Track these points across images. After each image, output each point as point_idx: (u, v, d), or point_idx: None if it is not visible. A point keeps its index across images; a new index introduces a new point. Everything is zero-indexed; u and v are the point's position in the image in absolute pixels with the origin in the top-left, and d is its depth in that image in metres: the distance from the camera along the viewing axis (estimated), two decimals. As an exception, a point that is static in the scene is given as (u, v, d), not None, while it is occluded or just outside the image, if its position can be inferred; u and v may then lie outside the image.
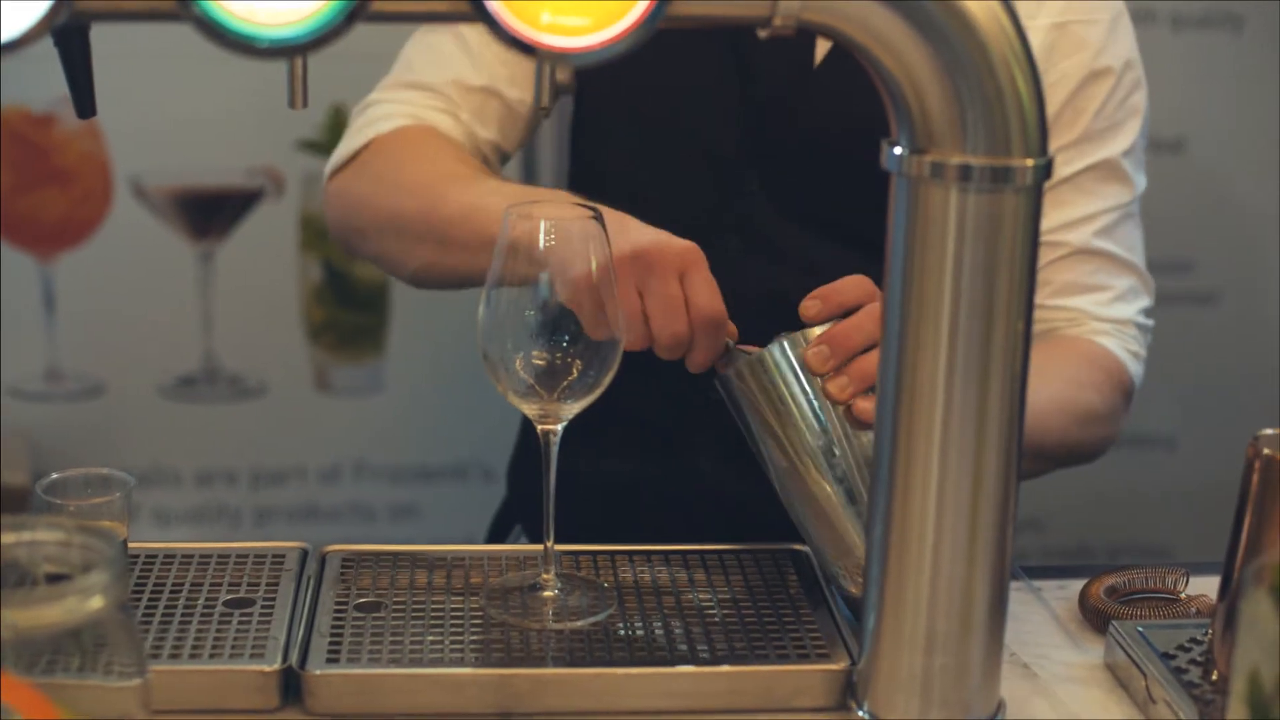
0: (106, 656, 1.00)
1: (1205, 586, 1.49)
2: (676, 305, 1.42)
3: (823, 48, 1.72)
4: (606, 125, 1.85)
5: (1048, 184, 1.63)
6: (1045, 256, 1.73)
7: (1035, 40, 1.67)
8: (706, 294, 1.43)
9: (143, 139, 2.73)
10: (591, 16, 1.05)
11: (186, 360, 2.87)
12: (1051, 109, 1.70)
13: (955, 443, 1.18)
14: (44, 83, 2.64)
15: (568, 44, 1.06)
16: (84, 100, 1.31)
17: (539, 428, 1.41)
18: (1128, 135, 1.76)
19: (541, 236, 1.35)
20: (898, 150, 1.16)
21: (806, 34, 1.68)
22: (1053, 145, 1.70)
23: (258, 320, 2.87)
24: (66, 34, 1.26)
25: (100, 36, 1.28)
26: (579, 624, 1.38)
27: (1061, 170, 1.73)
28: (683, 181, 1.77)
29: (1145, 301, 1.80)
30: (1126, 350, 1.75)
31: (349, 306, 2.88)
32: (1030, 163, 1.14)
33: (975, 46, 1.12)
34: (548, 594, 1.43)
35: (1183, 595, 1.51)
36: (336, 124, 2.74)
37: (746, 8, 1.11)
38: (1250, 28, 2.93)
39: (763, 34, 1.13)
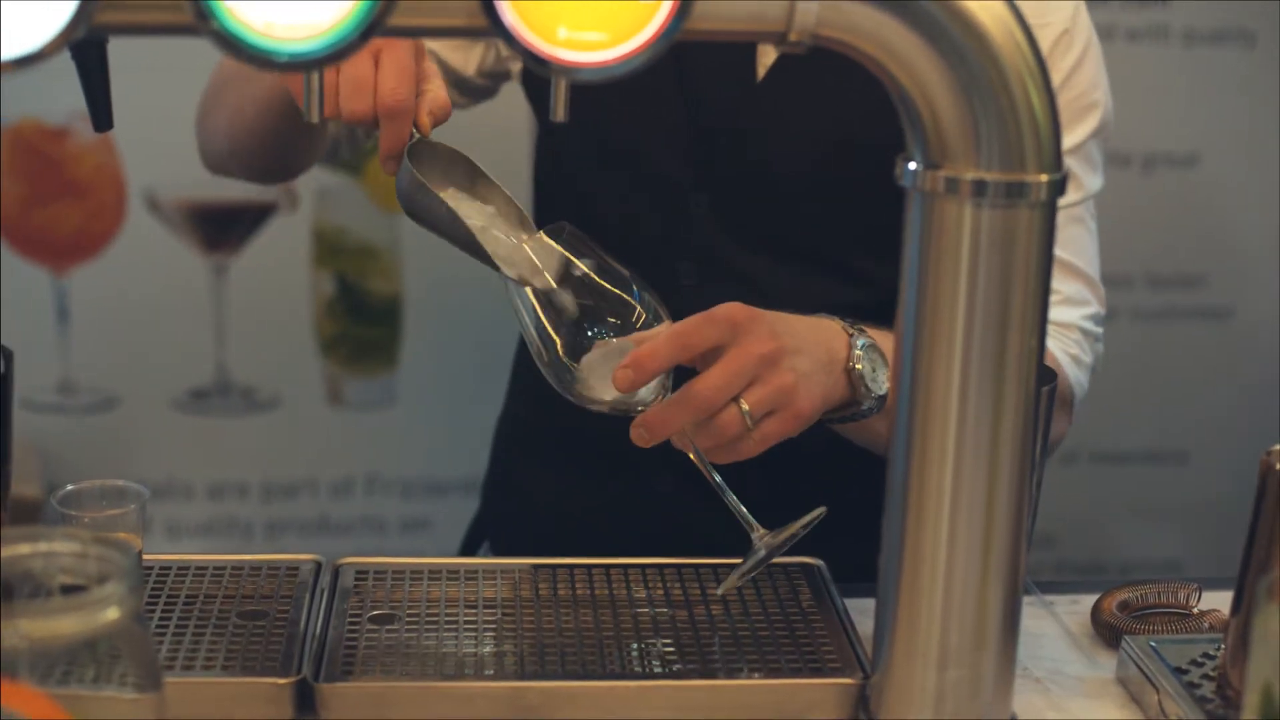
0: (121, 668, 1.00)
1: (1218, 601, 1.49)
2: (362, 85, 1.44)
3: (764, 63, 1.71)
4: (565, 147, 1.84)
5: None
6: None
7: None
8: (391, 79, 1.44)
9: (157, 152, 2.73)
10: (608, 31, 1.05)
11: (199, 373, 2.87)
12: None
13: (969, 457, 1.18)
14: (58, 96, 2.65)
15: (584, 59, 1.06)
16: (101, 114, 1.31)
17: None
18: (1073, 136, 1.72)
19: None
20: (912, 165, 1.16)
21: (748, 51, 1.68)
22: None
23: (270, 333, 2.87)
24: (84, 47, 1.27)
25: (114, 49, 1.28)
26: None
27: None
28: (637, 207, 1.76)
29: (1093, 308, 1.77)
30: (1067, 354, 1.71)
31: (361, 320, 2.89)
32: (1044, 178, 1.14)
33: (989, 61, 1.12)
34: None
35: (1195, 610, 1.51)
36: (350, 136, 2.74)
37: (761, 24, 1.11)
38: (1263, 43, 2.93)
39: (777, 50, 1.13)
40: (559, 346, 1.40)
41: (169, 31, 1.07)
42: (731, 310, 1.40)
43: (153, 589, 1.45)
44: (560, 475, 1.87)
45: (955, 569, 1.20)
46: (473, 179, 1.47)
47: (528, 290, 1.40)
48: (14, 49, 1.04)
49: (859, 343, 1.47)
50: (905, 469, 1.20)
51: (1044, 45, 1.67)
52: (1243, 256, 3.02)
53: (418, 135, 1.45)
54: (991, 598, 1.21)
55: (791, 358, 1.41)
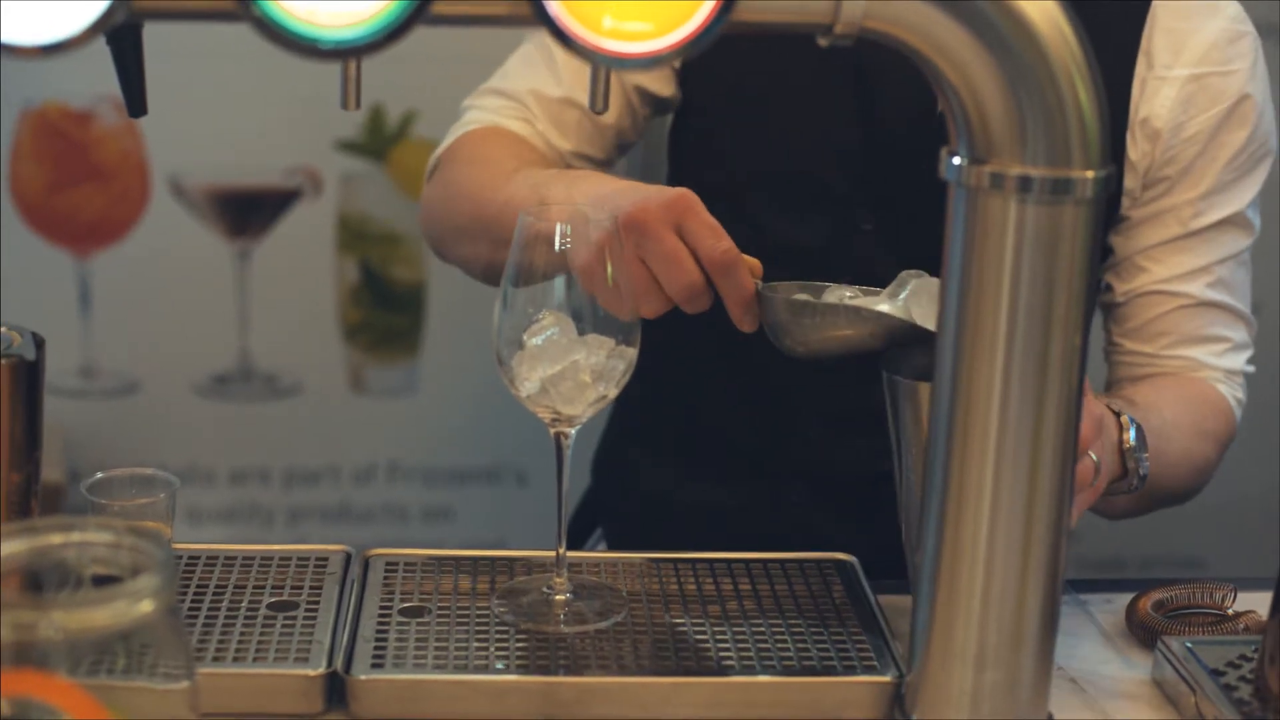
0: (154, 659, 1.00)
1: (1253, 602, 1.48)
2: (678, 258, 1.41)
3: None
4: (719, 149, 1.82)
5: (1173, 236, 1.66)
6: (1164, 305, 1.74)
7: (1171, 92, 1.67)
8: (708, 238, 1.41)
9: (181, 137, 2.73)
10: (653, 22, 1.04)
11: (222, 359, 2.87)
12: (1183, 161, 1.69)
13: (1010, 456, 1.17)
14: (83, 79, 2.65)
15: (628, 49, 1.05)
16: (136, 99, 1.30)
17: (551, 431, 1.40)
18: (1255, 184, 1.75)
19: (557, 239, 1.35)
20: (956, 160, 1.15)
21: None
22: (1182, 197, 1.69)
23: (293, 320, 2.87)
24: (120, 33, 1.25)
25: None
26: (588, 628, 1.39)
27: (1190, 224, 1.71)
28: (796, 217, 1.75)
29: (1251, 350, 1.80)
30: (1234, 398, 1.75)
31: (385, 308, 2.88)
32: (1091, 175, 1.12)
33: (1037, 56, 1.10)
34: (559, 598, 1.42)
35: (1230, 611, 1.50)
36: (375, 125, 2.74)
37: (809, 14, 1.10)
38: (1292, 37, 2.91)
39: (823, 42, 1.12)
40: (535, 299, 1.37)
41: (209, 18, 1.06)
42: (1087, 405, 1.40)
43: (182, 578, 1.44)
44: (689, 473, 1.86)
45: (994, 569, 1.19)
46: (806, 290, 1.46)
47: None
48: (52, 34, 1.03)
49: (1128, 420, 1.51)
50: (945, 466, 1.19)
51: (1229, 95, 1.69)
52: (1271, 251, 3.00)
53: (759, 282, 1.44)
54: (1030, 598, 1.20)
55: (1094, 445, 1.43)
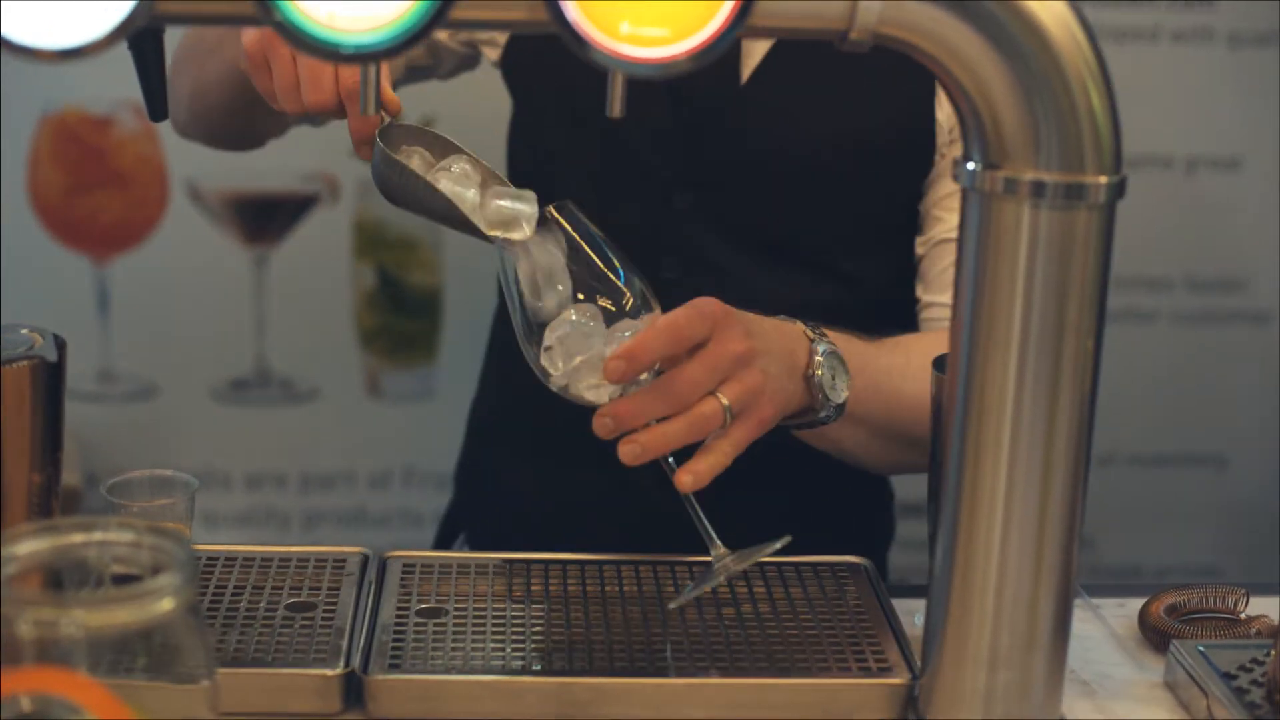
0: (174, 657, 1.00)
1: (1264, 607, 1.48)
2: (317, 75, 1.45)
3: (749, 64, 1.71)
4: (542, 141, 1.84)
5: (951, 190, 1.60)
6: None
7: None
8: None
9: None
10: (670, 27, 1.05)
11: (239, 364, 2.88)
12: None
13: (1023, 459, 1.18)
14: (102, 85, 2.66)
15: (645, 54, 1.06)
16: (157, 103, 1.32)
17: None
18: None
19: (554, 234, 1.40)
20: (970, 165, 1.16)
21: (733, 51, 1.67)
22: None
23: (310, 325, 2.87)
24: (142, 37, 1.26)
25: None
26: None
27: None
28: (619, 199, 1.75)
29: None
30: None
31: (401, 313, 2.89)
32: (1104, 180, 1.13)
33: (1050, 61, 1.11)
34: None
35: (1243, 615, 1.50)
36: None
37: (824, 19, 1.10)
38: (1309, 45, 2.91)
39: (839, 46, 1.12)
40: (538, 312, 1.39)
41: (230, 22, 1.07)
42: (712, 305, 1.40)
43: (201, 579, 1.45)
44: (539, 467, 1.86)
45: (1007, 571, 1.20)
46: (447, 153, 1.46)
47: (518, 249, 1.39)
48: (73, 38, 1.03)
49: (820, 348, 1.47)
50: (959, 470, 1.20)
51: None
52: (1271, 256, 3.00)
53: (388, 119, 1.46)
54: (1043, 600, 1.21)
55: (763, 359, 1.41)
